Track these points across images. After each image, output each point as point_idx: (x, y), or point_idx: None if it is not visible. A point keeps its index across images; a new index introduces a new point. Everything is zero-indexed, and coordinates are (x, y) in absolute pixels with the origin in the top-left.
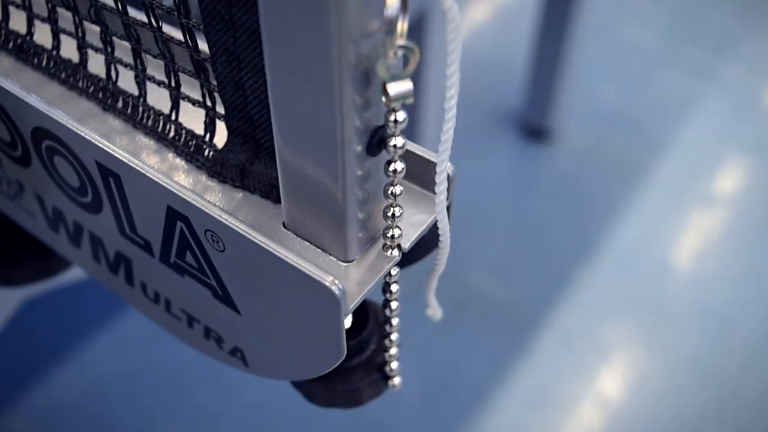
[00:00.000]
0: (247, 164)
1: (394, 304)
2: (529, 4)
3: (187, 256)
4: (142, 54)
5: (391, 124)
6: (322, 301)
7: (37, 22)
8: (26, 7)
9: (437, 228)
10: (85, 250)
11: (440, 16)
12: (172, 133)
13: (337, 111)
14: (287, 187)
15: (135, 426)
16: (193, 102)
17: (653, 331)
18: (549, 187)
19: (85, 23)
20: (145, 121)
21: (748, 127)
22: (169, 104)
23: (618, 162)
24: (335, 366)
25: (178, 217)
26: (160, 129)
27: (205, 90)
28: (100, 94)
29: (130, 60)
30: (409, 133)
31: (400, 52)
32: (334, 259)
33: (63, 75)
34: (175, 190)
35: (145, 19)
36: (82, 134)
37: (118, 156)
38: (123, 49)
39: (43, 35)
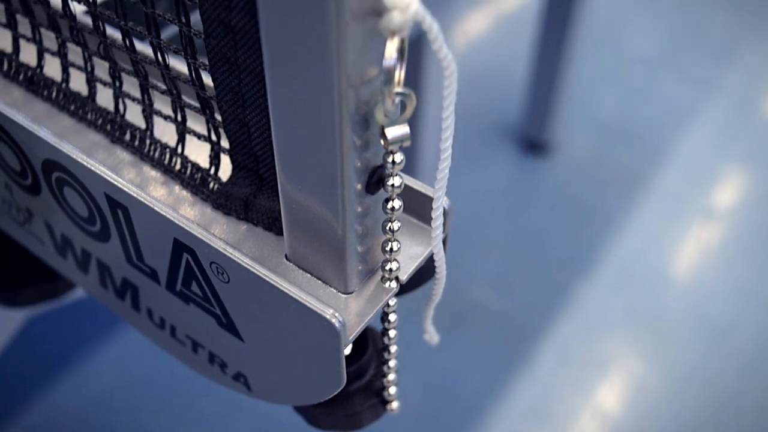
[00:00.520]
0: (250, 197)
1: (392, 333)
2: (528, 17)
3: (192, 285)
4: (150, 89)
5: (390, 165)
6: (322, 333)
7: (47, 55)
8: (37, 41)
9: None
10: (92, 276)
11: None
12: (178, 166)
13: (337, 151)
14: (289, 221)
15: None
16: (199, 136)
17: (652, 343)
18: (548, 199)
19: (94, 58)
20: (152, 153)
21: (746, 138)
22: (176, 137)
23: (616, 174)
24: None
25: (184, 249)
26: (166, 162)
27: (210, 125)
28: (109, 127)
29: (137, 94)
30: (407, 149)
31: (397, 99)
32: (335, 291)
33: (72, 107)
34: (181, 224)
35: (152, 55)
36: (92, 168)
37: (126, 189)
38: (131, 82)
39: (53, 68)
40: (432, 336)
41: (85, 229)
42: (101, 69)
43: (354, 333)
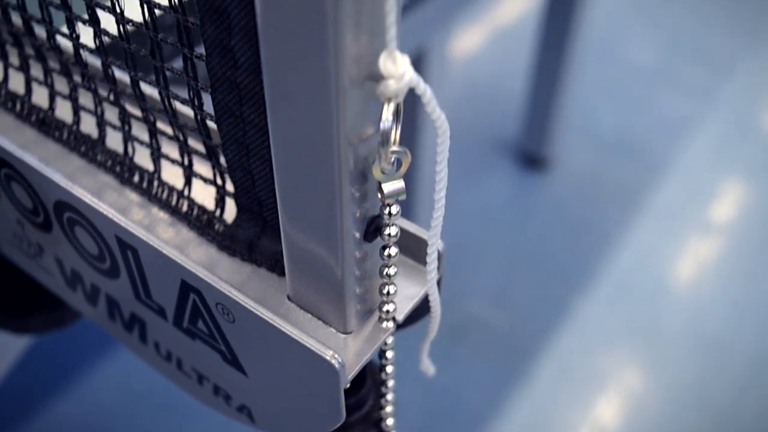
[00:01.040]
0: (254, 239)
1: (389, 369)
2: (527, 31)
3: (198, 323)
4: (158, 134)
5: (386, 216)
6: (323, 372)
7: (58, 98)
8: (49, 84)
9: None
10: (101, 309)
11: (439, 54)
12: (185, 208)
13: (337, 203)
14: (291, 263)
15: None
16: (205, 180)
17: (650, 357)
18: (546, 213)
19: (104, 103)
20: (159, 195)
21: (744, 151)
22: (183, 179)
23: (615, 188)
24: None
25: (191, 289)
26: (173, 203)
27: (216, 170)
28: (118, 169)
29: (146, 137)
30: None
31: (393, 157)
32: (334, 330)
33: (83, 148)
34: (189, 267)
35: (160, 104)
36: (103, 211)
37: (136, 233)
38: (140, 125)
39: (64, 110)
40: (428, 368)
41: (95, 266)
42: (111, 112)
43: (353, 372)
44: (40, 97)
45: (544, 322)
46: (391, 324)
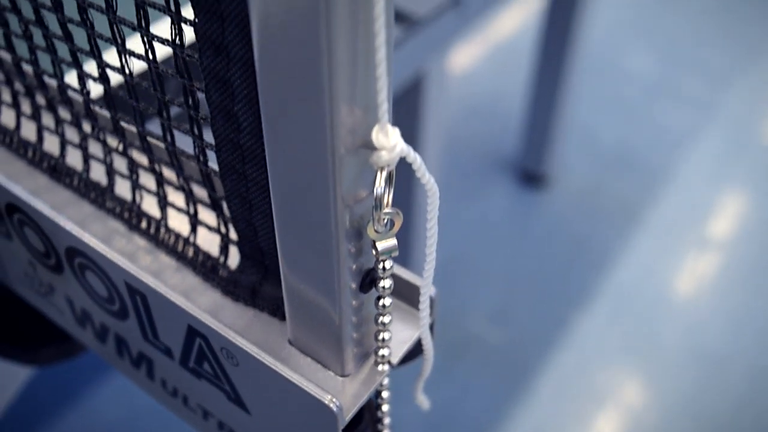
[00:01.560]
0: (257, 285)
1: (385, 407)
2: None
3: (204, 364)
4: (165, 183)
5: (381, 270)
6: (322, 415)
7: (68, 145)
8: (59, 133)
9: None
10: (109, 347)
11: (438, 77)
12: (190, 254)
13: (334, 258)
14: (292, 311)
15: None
16: (210, 228)
17: (649, 374)
18: (545, 231)
19: (113, 153)
20: (166, 241)
21: (742, 164)
22: (189, 226)
23: (614, 204)
24: None
25: (197, 334)
26: (180, 249)
27: (220, 220)
28: (126, 215)
29: (153, 185)
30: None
31: (386, 219)
32: (333, 374)
33: (93, 195)
34: (195, 314)
35: (167, 157)
36: (113, 259)
37: (145, 280)
38: (148, 174)
39: (75, 157)
40: (423, 402)
41: (105, 307)
42: (120, 161)
43: (350, 413)
44: (51, 144)
45: (544, 339)
46: (386, 367)
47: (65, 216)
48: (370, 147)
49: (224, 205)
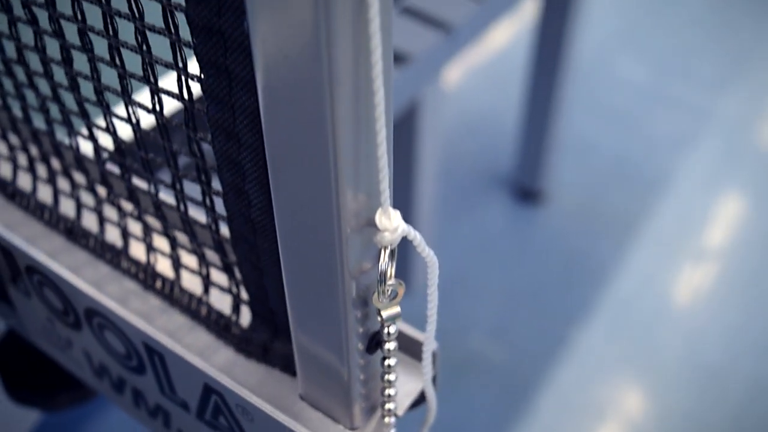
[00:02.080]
0: (268, 343)
1: None
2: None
3: (220, 418)
4: (178, 247)
5: (385, 335)
6: None
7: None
8: (75, 197)
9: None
10: (126, 398)
11: (432, 103)
12: (204, 313)
13: (342, 323)
14: (303, 369)
15: None
16: (222, 289)
17: (649, 388)
18: (543, 247)
19: (128, 216)
20: (180, 301)
21: (738, 174)
22: (201, 286)
23: (610, 218)
24: None
25: (213, 392)
26: (193, 308)
27: (232, 282)
28: (141, 276)
29: (167, 247)
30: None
31: (390, 289)
32: (342, 427)
33: (108, 256)
34: (211, 374)
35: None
36: (132, 321)
37: (162, 341)
38: (161, 237)
39: (90, 219)
40: None
41: (123, 363)
42: (134, 222)
43: None
44: (67, 207)
45: (544, 354)
46: (393, 419)
47: (83, 279)
48: (374, 225)
49: (236, 269)
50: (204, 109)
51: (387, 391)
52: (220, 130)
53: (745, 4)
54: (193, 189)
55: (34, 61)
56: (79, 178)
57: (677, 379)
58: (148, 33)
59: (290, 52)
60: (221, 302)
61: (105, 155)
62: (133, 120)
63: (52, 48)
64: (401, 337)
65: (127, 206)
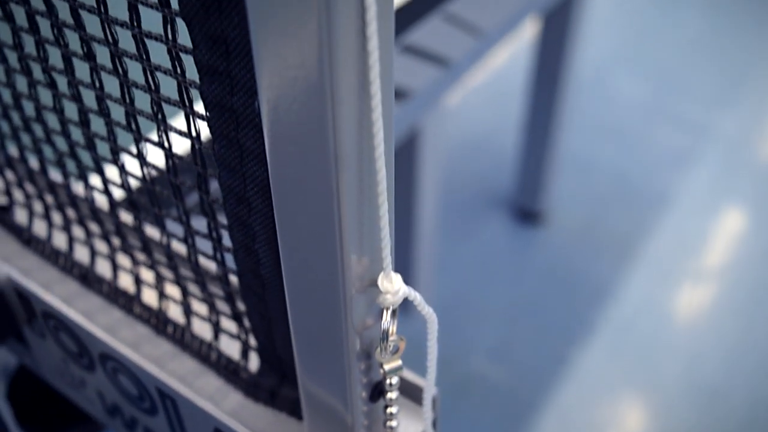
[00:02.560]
0: (276, 388)
1: None
2: (516, 83)
3: None
4: (189, 295)
5: (388, 386)
6: None
7: (95, 251)
8: (88, 244)
9: None
10: None
11: (433, 130)
12: (213, 358)
13: (347, 374)
14: (309, 415)
15: None
16: (231, 335)
17: (649, 407)
18: (543, 267)
19: (141, 263)
20: (191, 346)
21: (738, 192)
22: (211, 331)
23: (610, 239)
24: None
25: None
26: (203, 353)
27: (241, 329)
28: (154, 321)
29: (178, 295)
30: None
31: (392, 345)
32: None
33: (121, 301)
34: (222, 419)
35: (192, 274)
36: (145, 367)
37: (174, 387)
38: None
39: (104, 266)
40: None
41: (135, 404)
42: (147, 271)
43: None
44: (81, 253)
45: (544, 375)
46: None
47: (97, 324)
48: (377, 287)
49: (245, 319)
50: (216, 174)
51: None
52: (231, 195)
53: (744, 22)
54: (205, 244)
55: (52, 120)
56: (94, 227)
57: (678, 399)
58: (163, 104)
59: (298, 134)
60: (230, 348)
61: (119, 206)
62: (148, 178)
63: (71, 110)
64: (403, 382)
65: (140, 256)
